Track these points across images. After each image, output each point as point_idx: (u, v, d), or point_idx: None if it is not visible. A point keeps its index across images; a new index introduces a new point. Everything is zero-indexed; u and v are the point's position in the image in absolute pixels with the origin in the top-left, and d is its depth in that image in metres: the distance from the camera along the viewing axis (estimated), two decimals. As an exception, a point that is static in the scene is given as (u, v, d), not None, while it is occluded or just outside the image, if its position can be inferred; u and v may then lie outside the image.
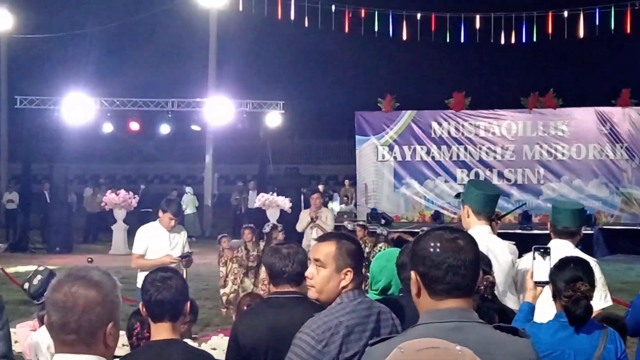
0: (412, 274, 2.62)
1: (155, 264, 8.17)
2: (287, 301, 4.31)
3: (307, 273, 3.82)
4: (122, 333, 6.25)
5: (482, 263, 4.45)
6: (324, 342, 3.49)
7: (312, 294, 3.77)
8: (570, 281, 4.15)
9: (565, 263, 4.28)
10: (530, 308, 4.48)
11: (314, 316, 3.61)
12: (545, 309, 4.55)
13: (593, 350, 4.10)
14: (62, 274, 2.54)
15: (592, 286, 4.21)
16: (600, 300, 5.02)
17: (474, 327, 2.57)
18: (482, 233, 5.16)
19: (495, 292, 4.60)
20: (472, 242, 2.66)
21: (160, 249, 8.62)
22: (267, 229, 13.52)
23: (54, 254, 21.75)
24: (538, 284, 4.41)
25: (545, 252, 4.41)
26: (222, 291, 13.38)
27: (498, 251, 5.08)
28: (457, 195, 5.64)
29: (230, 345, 4.42)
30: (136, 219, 23.94)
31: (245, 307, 5.63)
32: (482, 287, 4.38)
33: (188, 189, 27.78)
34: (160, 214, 8.60)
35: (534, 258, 4.42)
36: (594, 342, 4.12)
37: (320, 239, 3.85)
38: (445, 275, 2.58)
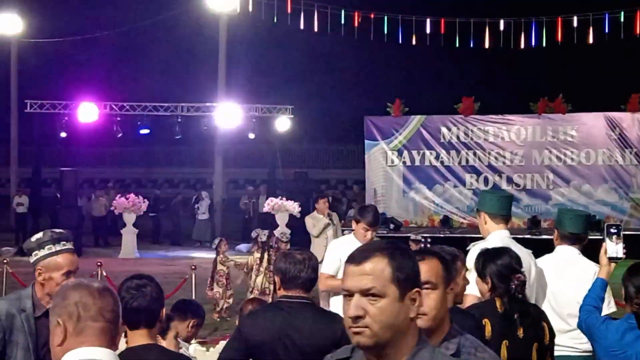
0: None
1: None
2: (298, 305, 4.36)
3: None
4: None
5: (513, 261, 4.48)
6: None
7: (424, 323, 3.02)
8: None
9: (636, 268, 4.34)
10: (604, 284, 4.67)
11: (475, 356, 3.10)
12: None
13: None
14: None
15: None
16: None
17: None
18: (502, 237, 5.22)
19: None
20: None
21: None
22: (263, 237, 12.39)
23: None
24: (612, 259, 4.63)
25: (617, 229, 4.54)
26: (211, 293, 13.20)
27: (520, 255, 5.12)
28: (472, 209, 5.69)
29: (234, 337, 4.43)
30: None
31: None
32: (514, 286, 4.40)
33: (205, 194, 27.48)
34: (354, 224, 6.95)
35: (607, 235, 4.62)
36: None
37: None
38: None
